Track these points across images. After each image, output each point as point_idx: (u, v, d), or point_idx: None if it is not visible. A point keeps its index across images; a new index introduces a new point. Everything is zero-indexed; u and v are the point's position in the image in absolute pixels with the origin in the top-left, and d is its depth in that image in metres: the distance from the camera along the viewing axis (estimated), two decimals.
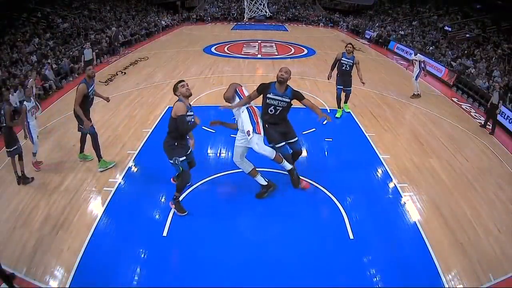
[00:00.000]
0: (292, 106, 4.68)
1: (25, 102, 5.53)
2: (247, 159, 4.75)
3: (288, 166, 4.72)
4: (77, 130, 5.58)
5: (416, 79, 9.22)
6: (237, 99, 4.60)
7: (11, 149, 5.13)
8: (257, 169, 4.78)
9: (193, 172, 5.35)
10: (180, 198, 4.54)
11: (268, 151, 4.58)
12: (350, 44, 7.55)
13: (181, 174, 4.41)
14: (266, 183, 4.79)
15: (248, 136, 4.42)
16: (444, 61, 13.37)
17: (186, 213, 4.49)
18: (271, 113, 4.63)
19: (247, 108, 4.56)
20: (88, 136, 5.52)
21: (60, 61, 11.60)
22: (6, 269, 3.55)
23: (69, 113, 7.85)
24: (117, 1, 24.00)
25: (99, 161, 5.53)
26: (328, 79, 7.75)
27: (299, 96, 4.60)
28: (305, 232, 4.30)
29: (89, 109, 5.53)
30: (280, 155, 4.66)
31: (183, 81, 4.31)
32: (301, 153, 5.09)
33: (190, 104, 4.32)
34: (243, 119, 4.50)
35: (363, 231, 4.31)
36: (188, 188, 4.99)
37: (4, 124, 5.13)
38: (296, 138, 4.84)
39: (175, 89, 4.29)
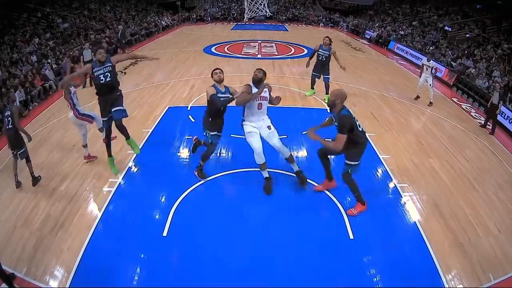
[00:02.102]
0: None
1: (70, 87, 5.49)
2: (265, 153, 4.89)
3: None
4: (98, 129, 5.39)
5: (432, 86, 9.00)
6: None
7: (19, 152, 5.06)
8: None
9: (192, 173, 5.38)
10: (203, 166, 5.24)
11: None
12: (327, 37, 8.44)
13: (209, 145, 5.12)
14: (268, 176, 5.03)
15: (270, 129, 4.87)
16: (444, 61, 13.37)
17: (206, 178, 5.18)
18: None
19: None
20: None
21: (60, 61, 11.61)
22: (6, 269, 3.55)
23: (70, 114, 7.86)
24: (117, 1, 24.01)
25: (108, 157, 5.42)
26: (306, 67, 8.66)
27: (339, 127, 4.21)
28: (305, 232, 4.30)
29: (107, 95, 4.90)
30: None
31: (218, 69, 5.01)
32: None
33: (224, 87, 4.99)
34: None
35: (363, 231, 4.31)
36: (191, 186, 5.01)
37: (10, 126, 5.01)
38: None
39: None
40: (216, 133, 5.07)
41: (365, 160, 5.97)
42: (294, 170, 5.01)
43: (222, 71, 4.95)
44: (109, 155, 5.44)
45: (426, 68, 8.91)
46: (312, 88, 8.94)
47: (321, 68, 8.45)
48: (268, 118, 4.92)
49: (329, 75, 8.45)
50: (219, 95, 4.82)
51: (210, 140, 5.07)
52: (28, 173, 5.18)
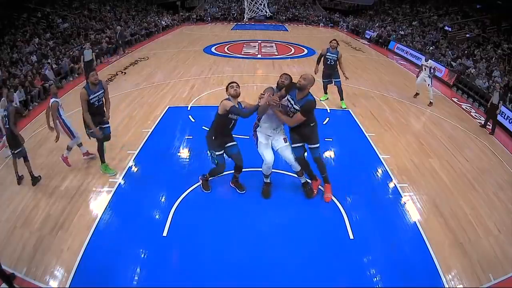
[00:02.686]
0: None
1: (53, 99, 5.42)
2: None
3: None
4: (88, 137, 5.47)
5: (431, 86, 9.00)
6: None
7: (16, 151, 5.09)
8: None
9: (192, 173, 5.38)
10: (209, 179, 5.03)
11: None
12: (335, 40, 8.06)
13: (217, 165, 4.71)
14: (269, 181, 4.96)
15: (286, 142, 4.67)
16: (444, 61, 13.36)
17: (209, 191, 4.95)
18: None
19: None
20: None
21: (60, 61, 11.61)
22: (6, 269, 3.55)
23: (69, 113, 7.86)
24: (117, 1, 24.02)
25: (102, 163, 5.49)
26: (315, 74, 7.91)
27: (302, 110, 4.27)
28: (305, 232, 4.30)
29: (99, 114, 5.25)
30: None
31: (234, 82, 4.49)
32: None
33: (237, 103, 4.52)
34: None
35: (363, 231, 4.31)
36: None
37: (7, 126, 5.07)
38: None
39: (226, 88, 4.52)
40: (222, 152, 4.62)
41: (365, 160, 6.03)
42: (301, 182, 4.90)
43: (239, 85, 4.45)
44: (103, 161, 5.46)
45: (424, 68, 8.94)
46: (326, 93, 8.72)
47: (331, 73, 8.14)
48: (283, 129, 4.70)
49: (339, 78, 8.13)
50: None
51: (216, 161, 4.59)
52: (28, 174, 5.19)
